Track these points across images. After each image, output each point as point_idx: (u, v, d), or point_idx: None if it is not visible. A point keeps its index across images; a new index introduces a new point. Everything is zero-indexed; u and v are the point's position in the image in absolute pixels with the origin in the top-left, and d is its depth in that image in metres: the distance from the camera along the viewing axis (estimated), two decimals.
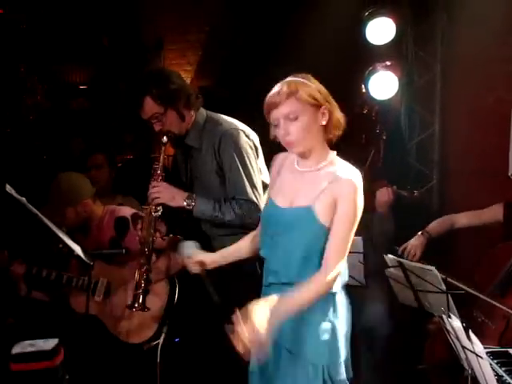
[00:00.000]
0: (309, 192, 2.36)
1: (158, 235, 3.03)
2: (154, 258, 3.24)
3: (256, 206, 2.96)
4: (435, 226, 3.47)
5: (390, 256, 3.06)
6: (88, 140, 6.02)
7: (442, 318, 2.49)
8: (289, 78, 2.38)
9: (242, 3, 5.18)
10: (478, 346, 2.16)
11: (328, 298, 2.37)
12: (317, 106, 2.33)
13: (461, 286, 2.89)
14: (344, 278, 2.44)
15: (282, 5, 5.07)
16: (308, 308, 2.31)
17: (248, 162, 2.99)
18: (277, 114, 2.33)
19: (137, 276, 2.93)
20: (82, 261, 2.92)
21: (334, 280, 2.30)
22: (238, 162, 2.96)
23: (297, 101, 2.31)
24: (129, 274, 3.21)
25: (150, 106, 2.95)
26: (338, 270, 2.29)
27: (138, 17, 6.50)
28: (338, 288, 2.40)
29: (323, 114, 2.34)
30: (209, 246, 3.07)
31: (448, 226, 3.46)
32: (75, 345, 2.95)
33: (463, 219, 3.37)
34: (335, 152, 2.43)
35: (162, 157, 2.99)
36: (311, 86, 2.35)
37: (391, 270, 3.07)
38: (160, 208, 2.97)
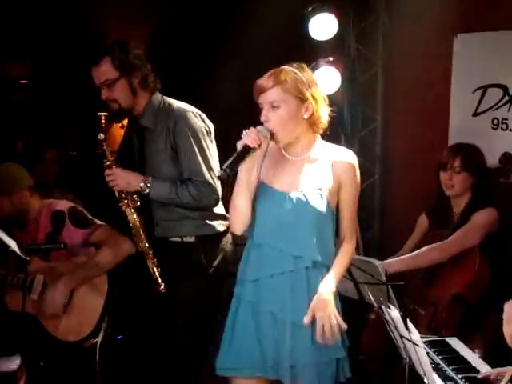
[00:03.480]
0: (312, 175, 2.44)
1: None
2: (93, 250, 3.21)
3: (213, 187, 2.95)
4: None
5: None
6: (29, 135, 5.89)
7: (381, 308, 2.53)
8: (283, 67, 2.44)
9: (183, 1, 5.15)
10: (415, 335, 2.19)
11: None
12: (301, 99, 2.39)
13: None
14: None
15: (226, 1, 5.05)
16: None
17: (204, 144, 2.98)
18: (262, 99, 2.41)
19: (150, 265, 2.98)
20: (18, 256, 2.84)
21: None
22: (193, 144, 2.95)
23: (282, 91, 2.37)
24: (66, 270, 3.14)
25: (106, 68, 2.94)
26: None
27: (81, 10, 6.36)
28: None
29: (307, 108, 2.40)
30: (151, 231, 3.07)
31: None
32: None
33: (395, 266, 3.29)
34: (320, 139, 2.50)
35: (105, 145, 2.98)
36: (301, 79, 2.41)
37: None
38: (136, 197, 2.99)
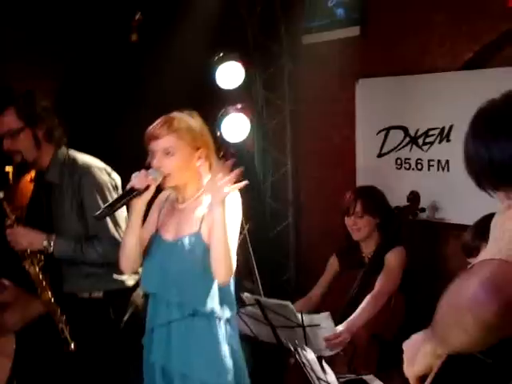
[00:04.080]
0: (193, 220, 2.45)
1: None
2: None
3: (119, 243, 2.89)
4: None
5: (247, 294, 3.08)
6: None
7: (297, 351, 2.53)
8: (174, 114, 2.45)
9: (90, 52, 5.12)
10: (331, 376, 2.20)
11: (225, 319, 2.46)
12: (195, 147, 2.43)
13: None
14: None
15: (132, 54, 5.06)
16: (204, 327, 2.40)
17: (110, 199, 2.93)
18: (155, 146, 2.43)
19: (58, 324, 2.91)
20: None
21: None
22: (98, 200, 2.92)
23: (176, 139, 2.41)
24: None
25: (10, 118, 2.90)
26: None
27: None
28: (233, 311, 2.51)
29: (199, 156, 2.45)
30: (60, 288, 2.98)
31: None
32: None
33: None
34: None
35: (5, 204, 2.90)
36: (194, 127, 2.46)
37: (248, 308, 3.08)
38: (40, 256, 2.91)
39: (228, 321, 2.48)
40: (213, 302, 2.42)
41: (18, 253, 2.94)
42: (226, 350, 2.43)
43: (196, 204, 2.50)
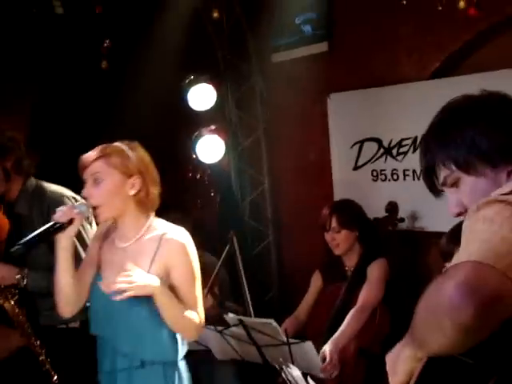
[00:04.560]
0: (140, 265, 2.26)
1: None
2: None
3: None
4: None
5: (230, 315, 3.05)
6: None
7: (282, 369, 2.50)
8: (111, 144, 2.37)
9: (62, 81, 5.10)
10: None
11: (172, 365, 2.33)
12: (127, 174, 2.29)
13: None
14: (185, 347, 2.40)
15: (103, 80, 5.06)
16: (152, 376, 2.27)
17: (81, 229, 2.87)
18: (86, 174, 2.31)
19: (38, 357, 2.84)
20: None
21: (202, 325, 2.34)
22: None
23: (106, 164, 2.29)
24: None
25: None
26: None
27: None
28: (181, 356, 2.37)
29: (133, 184, 2.30)
30: (36, 321, 2.92)
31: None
32: None
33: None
34: (153, 216, 2.39)
35: None
36: (127, 154, 2.32)
37: (232, 329, 3.05)
38: (14, 290, 2.85)
39: (176, 364, 2.36)
40: (162, 350, 2.31)
41: None
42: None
43: (139, 246, 2.32)
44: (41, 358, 2.85)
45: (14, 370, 3.03)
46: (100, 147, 2.34)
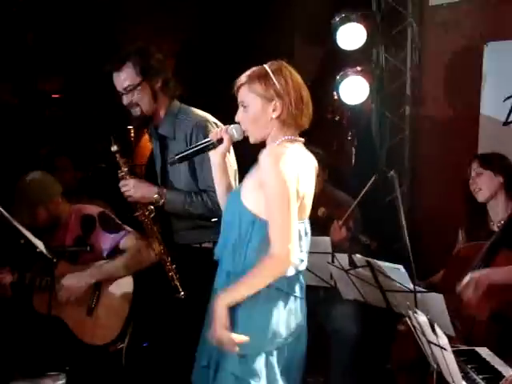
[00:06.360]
0: (247, 178, 2.40)
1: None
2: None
3: None
4: None
5: (358, 256, 3.04)
6: (55, 145, 5.98)
7: (408, 314, 2.47)
8: (257, 67, 2.38)
9: (212, 13, 5.20)
10: (443, 339, 2.14)
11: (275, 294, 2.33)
12: (268, 98, 2.32)
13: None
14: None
15: (250, 15, 5.09)
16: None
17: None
18: (238, 99, 2.39)
19: (168, 272, 2.97)
20: (45, 258, 2.86)
21: (284, 260, 2.24)
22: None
23: (249, 91, 2.34)
24: None
25: (128, 74, 2.94)
26: (285, 249, 2.22)
27: (112, 26, 6.47)
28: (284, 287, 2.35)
29: (275, 107, 2.33)
30: (171, 241, 3.05)
31: None
32: None
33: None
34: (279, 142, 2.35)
35: (118, 156, 2.98)
36: (269, 78, 2.32)
37: (359, 270, 3.05)
38: (151, 208, 2.99)
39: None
40: (247, 265, 2.31)
41: (131, 204, 3.02)
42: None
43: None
44: (170, 274, 2.98)
45: (147, 282, 3.22)
46: (248, 72, 2.37)
